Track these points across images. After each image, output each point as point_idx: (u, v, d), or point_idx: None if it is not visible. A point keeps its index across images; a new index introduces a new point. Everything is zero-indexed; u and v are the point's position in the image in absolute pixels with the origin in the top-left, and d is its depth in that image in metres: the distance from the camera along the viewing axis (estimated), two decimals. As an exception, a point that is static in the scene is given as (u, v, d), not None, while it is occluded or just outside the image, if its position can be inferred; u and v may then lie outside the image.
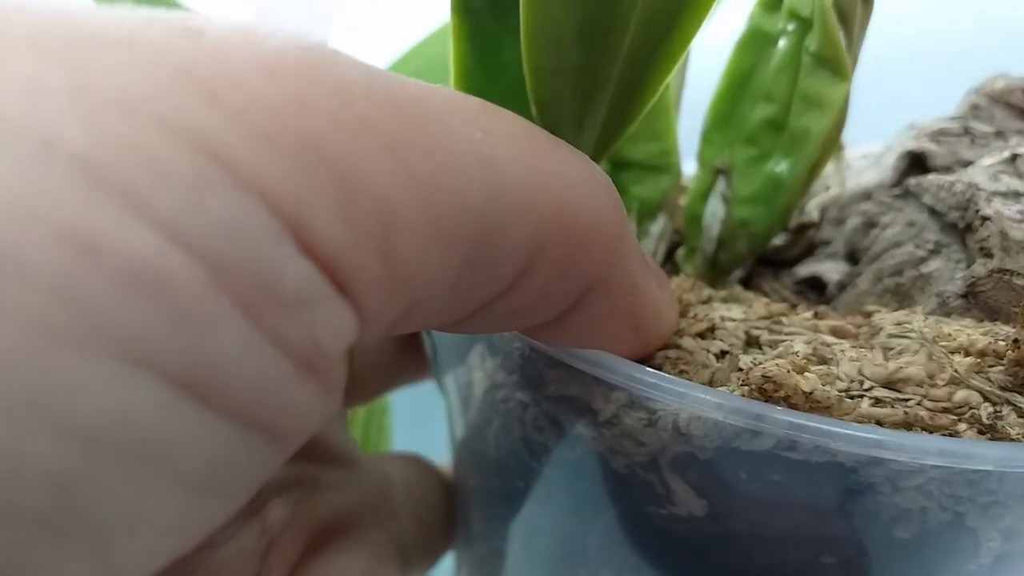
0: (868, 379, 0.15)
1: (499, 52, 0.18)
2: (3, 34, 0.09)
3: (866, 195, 0.23)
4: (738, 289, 0.20)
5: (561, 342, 0.15)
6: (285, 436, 0.11)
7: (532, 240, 0.12)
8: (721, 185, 0.21)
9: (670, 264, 0.23)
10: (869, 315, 0.18)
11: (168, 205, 0.09)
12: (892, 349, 0.16)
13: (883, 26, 0.20)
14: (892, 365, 0.15)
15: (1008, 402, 0.15)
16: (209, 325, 0.09)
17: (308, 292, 0.10)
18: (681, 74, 0.23)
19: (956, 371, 0.15)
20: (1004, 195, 0.19)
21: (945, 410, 0.15)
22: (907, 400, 0.15)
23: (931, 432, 0.15)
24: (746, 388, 0.15)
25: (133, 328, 0.09)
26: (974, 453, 0.14)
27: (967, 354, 0.16)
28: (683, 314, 0.18)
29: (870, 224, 0.22)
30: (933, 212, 0.20)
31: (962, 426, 0.15)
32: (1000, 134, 0.23)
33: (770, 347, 0.17)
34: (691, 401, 0.15)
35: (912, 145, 0.23)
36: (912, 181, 0.21)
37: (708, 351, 0.17)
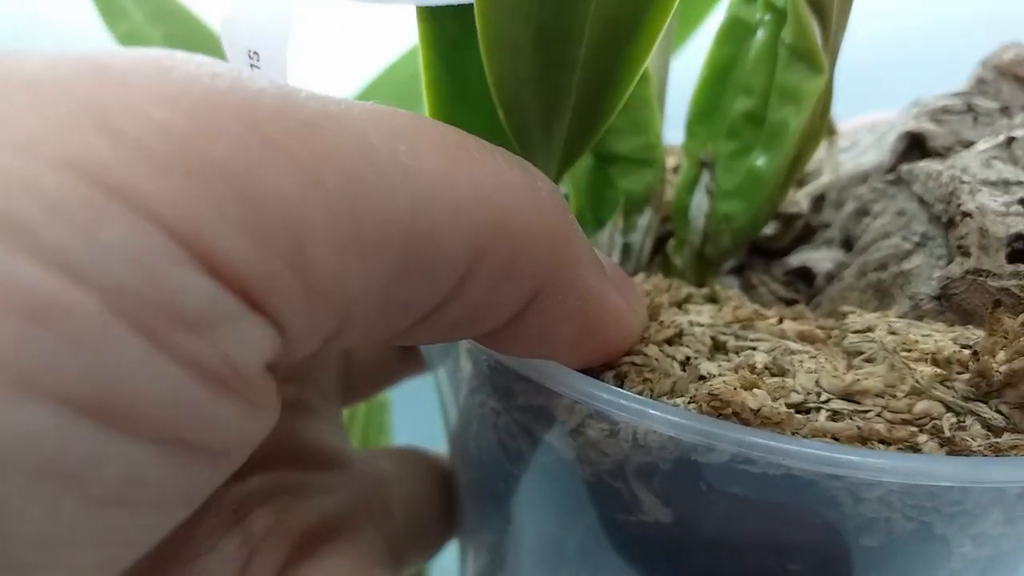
0: (825, 391, 0.15)
1: (467, 56, 0.18)
2: None
3: (863, 178, 0.22)
4: (718, 287, 0.20)
5: (514, 350, 0.15)
6: (215, 451, 0.11)
7: (468, 248, 0.12)
8: (706, 178, 0.21)
9: (661, 256, 0.23)
10: (844, 316, 0.18)
11: (59, 238, 0.09)
12: (862, 354, 0.16)
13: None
14: (850, 377, 0.15)
15: (972, 412, 0.15)
16: (107, 350, 0.10)
17: (214, 312, 0.10)
18: (664, 66, 0.22)
19: (918, 381, 0.15)
20: (994, 184, 0.18)
21: (905, 422, 0.15)
22: (865, 412, 0.15)
23: (889, 445, 0.14)
24: (694, 405, 0.14)
25: (27, 357, 0.09)
26: (928, 470, 0.14)
27: (933, 362, 0.15)
28: (653, 317, 0.18)
29: (863, 211, 0.21)
30: (922, 202, 0.19)
31: (923, 437, 0.14)
32: (1006, 110, 0.22)
33: (736, 353, 0.16)
34: (644, 417, 0.15)
35: (911, 125, 0.22)
36: (904, 167, 0.20)
37: (673, 358, 0.17)
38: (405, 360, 0.24)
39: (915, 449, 0.14)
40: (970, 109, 0.22)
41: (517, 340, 0.15)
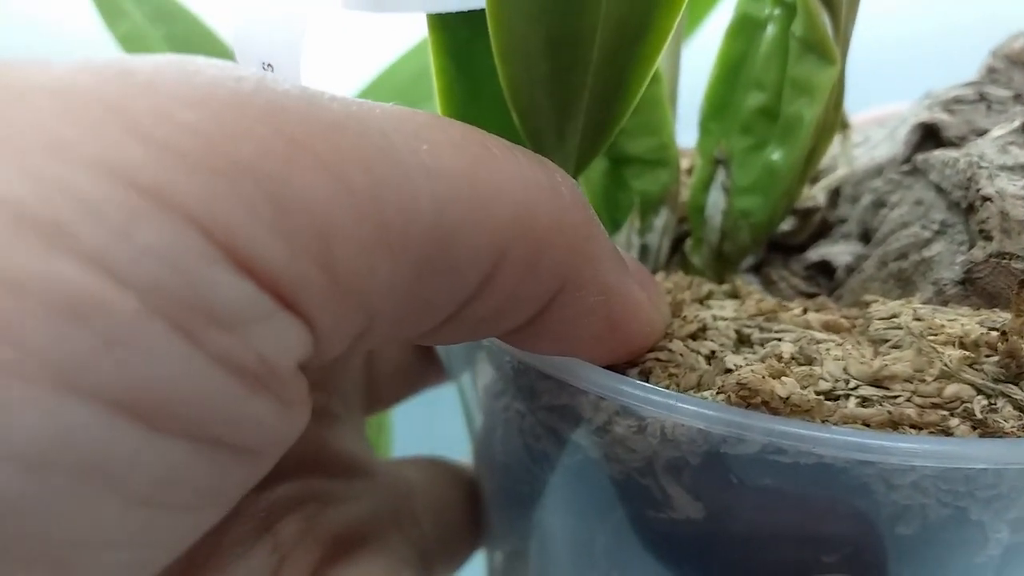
0: (854, 378, 0.15)
1: (478, 61, 0.18)
2: None
3: (878, 171, 0.22)
4: (739, 283, 0.20)
5: (538, 347, 0.16)
6: (249, 451, 0.12)
7: (491, 245, 0.13)
8: (721, 175, 0.21)
9: (679, 255, 0.23)
10: (867, 305, 0.17)
11: (95, 238, 0.09)
12: (888, 341, 0.16)
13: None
14: (878, 363, 0.15)
15: (1003, 394, 0.15)
16: (144, 349, 0.10)
17: (248, 310, 0.10)
18: (675, 67, 0.22)
19: (946, 365, 0.15)
20: (1011, 169, 0.18)
21: (935, 406, 0.15)
22: (895, 398, 0.15)
23: (920, 429, 0.14)
24: (722, 396, 0.14)
25: (66, 356, 0.09)
26: (961, 453, 0.14)
27: (960, 345, 0.15)
28: (676, 314, 0.18)
29: (879, 203, 0.21)
30: (940, 190, 0.19)
31: (954, 421, 0.14)
32: (1019, 98, 0.22)
33: (760, 345, 0.16)
34: (672, 411, 0.15)
35: (925, 116, 0.22)
36: (920, 157, 0.20)
37: (698, 353, 0.17)
38: (426, 369, 0.24)
39: (947, 433, 0.14)
40: (983, 98, 0.22)
41: (541, 337, 0.15)
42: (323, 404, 0.21)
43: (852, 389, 0.15)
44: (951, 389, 0.15)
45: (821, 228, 0.23)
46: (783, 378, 0.14)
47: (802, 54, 0.18)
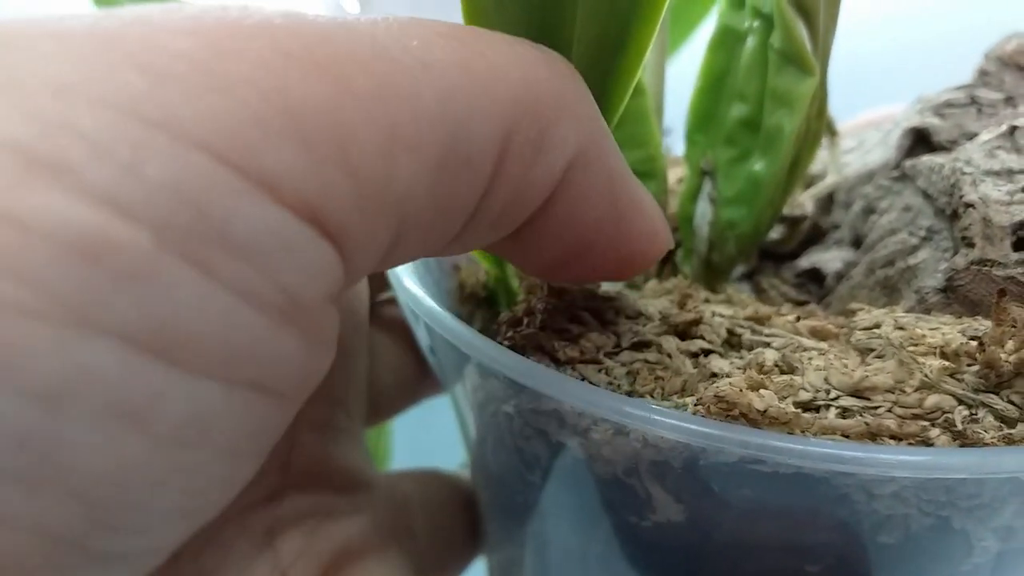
0: (835, 388, 0.15)
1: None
2: None
3: (870, 177, 0.22)
4: (731, 291, 0.20)
5: (546, 245, 0.15)
6: (277, 391, 0.11)
7: (499, 128, 0.12)
8: (707, 186, 0.21)
9: (669, 266, 0.23)
10: (853, 314, 0.18)
11: (104, 176, 0.09)
12: (873, 350, 0.16)
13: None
14: (859, 373, 0.15)
15: (984, 404, 0.15)
16: (160, 285, 0.10)
17: (270, 237, 0.10)
18: (659, 79, 0.22)
19: (927, 376, 0.15)
20: (997, 174, 0.18)
21: (916, 416, 0.15)
22: (875, 408, 0.15)
23: (900, 440, 0.14)
24: (701, 408, 0.15)
25: (79, 294, 0.09)
26: (936, 463, 0.13)
27: (941, 355, 0.15)
28: (681, 305, 0.18)
29: (870, 210, 0.21)
30: (927, 196, 0.19)
31: (935, 431, 0.14)
32: (1010, 100, 0.22)
33: (748, 349, 0.17)
34: (649, 424, 0.15)
35: (916, 121, 0.22)
36: (908, 163, 0.20)
37: (687, 353, 0.17)
38: (425, 378, 0.25)
39: (927, 443, 0.14)
40: (973, 101, 0.22)
41: (550, 230, 0.15)
42: (328, 417, 0.21)
43: (832, 400, 0.15)
44: (932, 400, 0.15)
45: (814, 235, 0.23)
46: (761, 390, 0.14)
47: (781, 66, 0.18)
